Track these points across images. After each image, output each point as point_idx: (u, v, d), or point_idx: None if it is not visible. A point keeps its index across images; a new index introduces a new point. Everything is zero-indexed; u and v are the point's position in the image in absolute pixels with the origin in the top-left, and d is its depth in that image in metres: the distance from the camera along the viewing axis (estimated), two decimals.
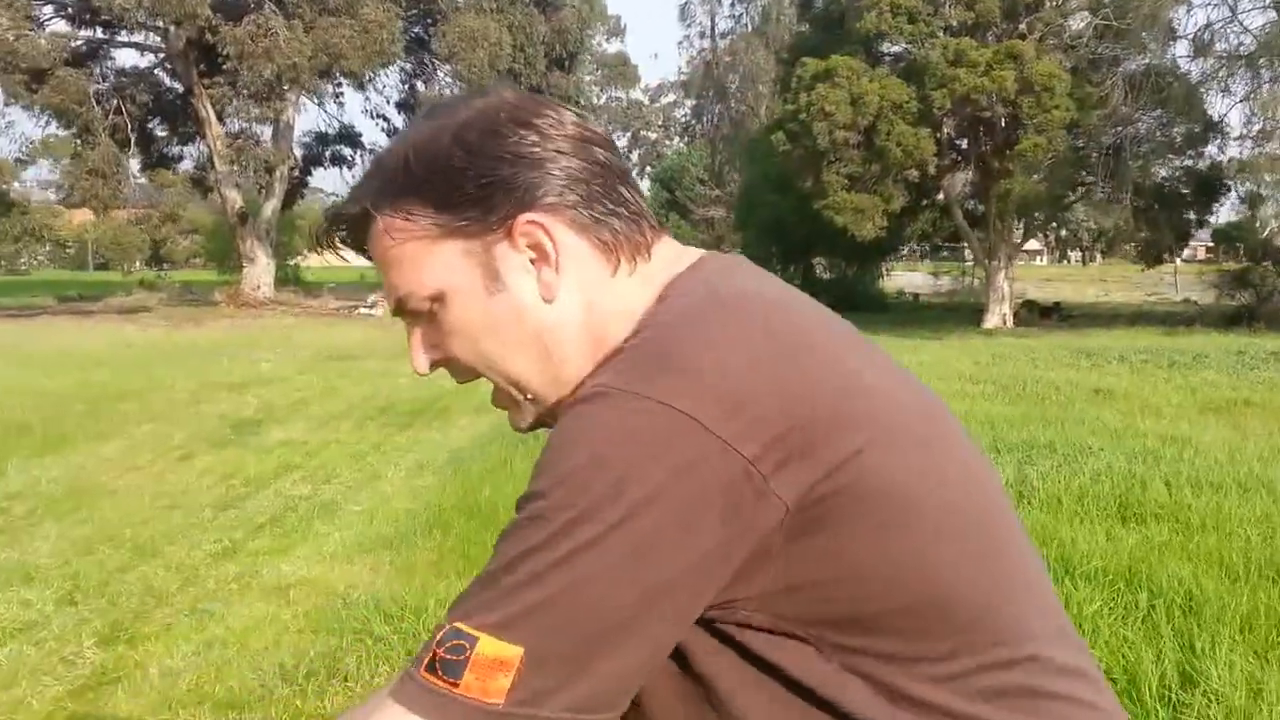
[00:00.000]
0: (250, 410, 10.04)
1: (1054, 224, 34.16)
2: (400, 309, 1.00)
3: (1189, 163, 28.92)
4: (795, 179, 24.76)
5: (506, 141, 0.94)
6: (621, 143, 69.35)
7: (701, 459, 0.79)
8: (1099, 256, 44.92)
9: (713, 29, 51.99)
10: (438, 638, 0.81)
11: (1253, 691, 3.16)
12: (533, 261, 0.95)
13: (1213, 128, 27.56)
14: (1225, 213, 30.83)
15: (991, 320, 27.41)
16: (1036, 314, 30.21)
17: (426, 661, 0.81)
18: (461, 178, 0.94)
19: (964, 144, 27.78)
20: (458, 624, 0.81)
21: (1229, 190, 29.23)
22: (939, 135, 25.93)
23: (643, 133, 67.99)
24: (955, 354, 17.77)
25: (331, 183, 55.82)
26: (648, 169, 66.02)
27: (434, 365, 1.02)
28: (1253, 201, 30.10)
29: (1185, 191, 28.79)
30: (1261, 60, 23.81)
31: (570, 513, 0.79)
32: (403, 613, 4.24)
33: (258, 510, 6.25)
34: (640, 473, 0.79)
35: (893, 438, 0.86)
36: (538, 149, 0.95)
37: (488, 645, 0.79)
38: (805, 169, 24.05)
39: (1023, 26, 25.41)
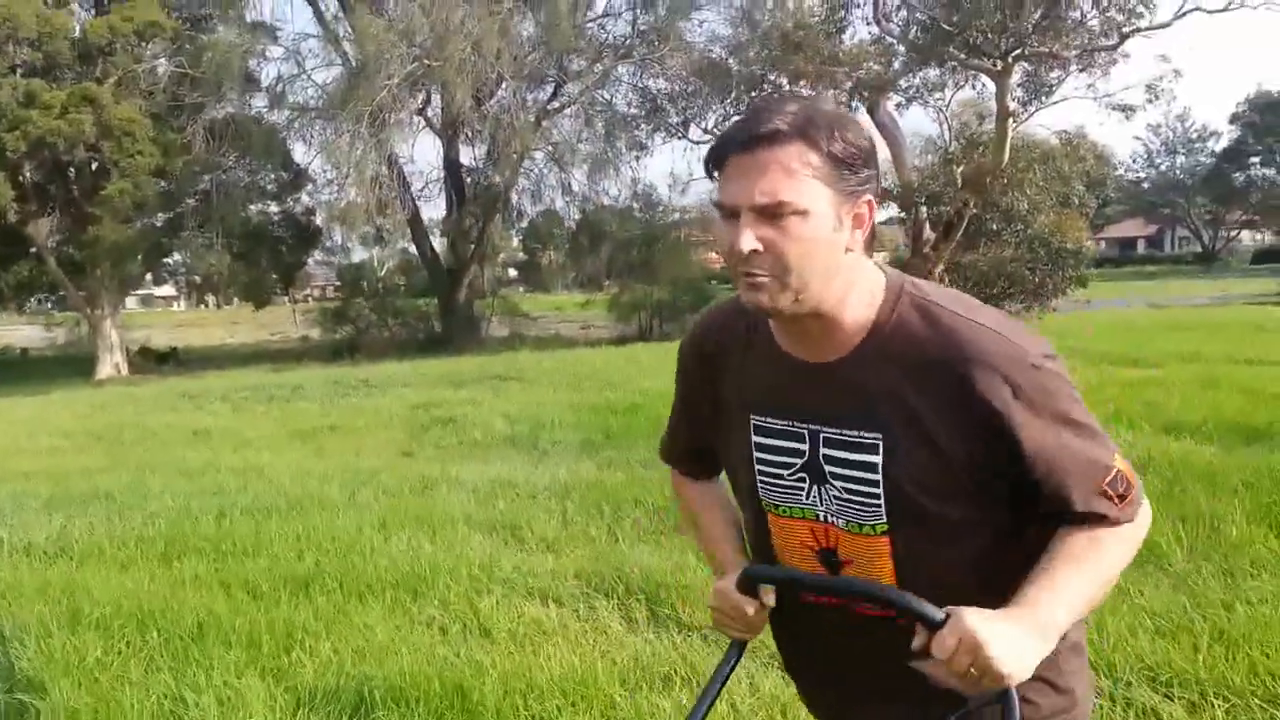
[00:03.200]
0: None
1: (158, 270, 33.68)
2: (761, 207, 1.36)
3: (285, 207, 30.70)
4: None
5: (864, 139, 1.39)
6: None
7: None
8: (235, 301, 45.41)
9: None
10: (1105, 485, 1.43)
11: (230, 707, 3.42)
12: (854, 224, 1.40)
13: (301, 175, 29.56)
14: (358, 254, 33.30)
15: (104, 370, 26.25)
16: (153, 360, 29.62)
17: (1116, 498, 1.44)
18: (862, 158, 1.39)
19: (52, 189, 26.09)
20: (1110, 465, 1.44)
21: (320, 233, 31.70)
22: (21, 178, 24.04)
23: None
24: (58, 409, 16.66)
25: None
26: None
27: (753, 252, 1.37)
28: (344, 246, 33.04)
29: (283, 235, 30.49)
30: (338, 113, 25.75)
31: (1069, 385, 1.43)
32: None
33: None
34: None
35: None
36: (873, 156, 1.42)
37: (1120, 463, 1.44)
38: None
39: (99, 71, 24.62)
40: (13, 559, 5.58)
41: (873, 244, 1.46)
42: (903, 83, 26.90)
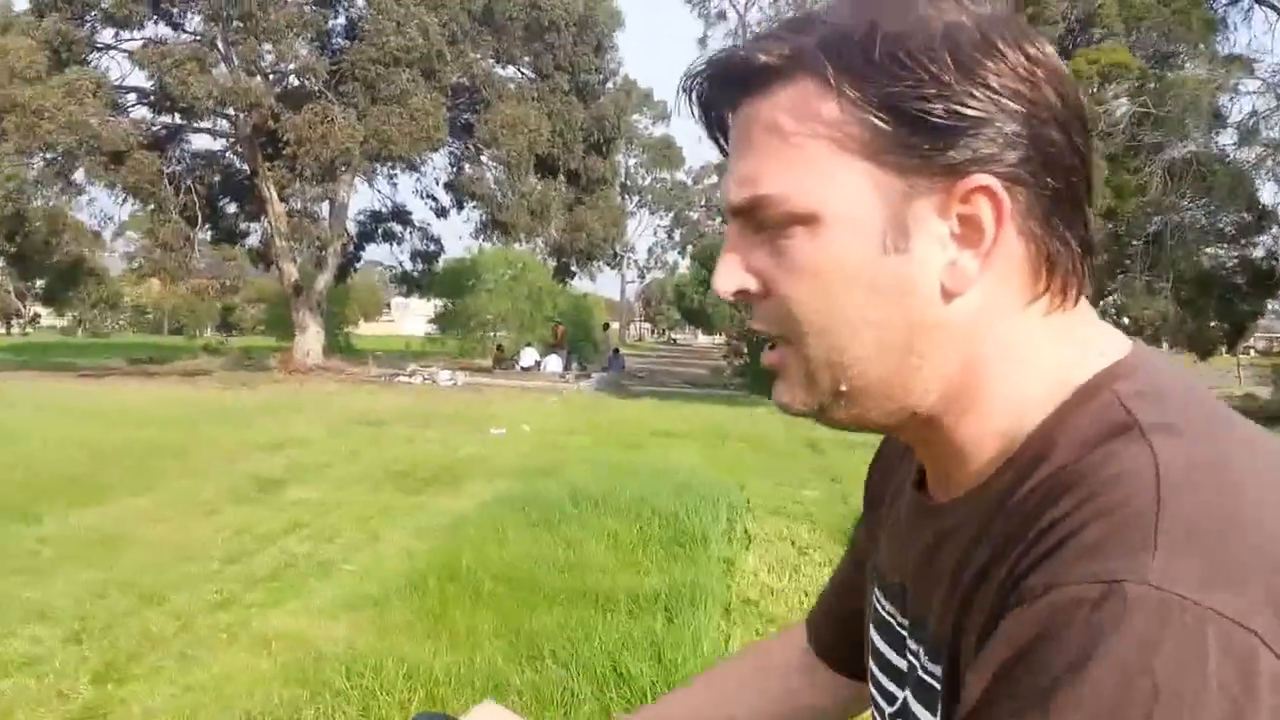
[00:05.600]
0: (278, 470, 10.37)
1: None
2: (741, 210, 0.72)
3: (1242, 252, 28.68)
4: None
5: (1004, 69, 0.67)
6: (664, 222, 72.11)
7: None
8: (1164, 346, 44.26)
9: None
10: None
11: None
12: (954, 237, 0.68)
13: (1266, 216, 27.34)
14: None
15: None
16: None
17: None
18: (933, 90, 0.66)
19: None
20: None
21: None
22: None
23: (685, 213, 70.82)
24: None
25: (383, 256, 58.40)
26: (689, 248, 68.45)
27: (740, 294, 0.73)
28: None
29: (1238, 281, 28.49)
30: None
31: None
32: (364, 670, 4.41)
33: (260, 565, 6.62)
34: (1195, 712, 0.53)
35: None
36: (1029, 97, 0.67)
37: None
38: None
39: None
40: None
41: (1075, 285, 0.71)
42: None
